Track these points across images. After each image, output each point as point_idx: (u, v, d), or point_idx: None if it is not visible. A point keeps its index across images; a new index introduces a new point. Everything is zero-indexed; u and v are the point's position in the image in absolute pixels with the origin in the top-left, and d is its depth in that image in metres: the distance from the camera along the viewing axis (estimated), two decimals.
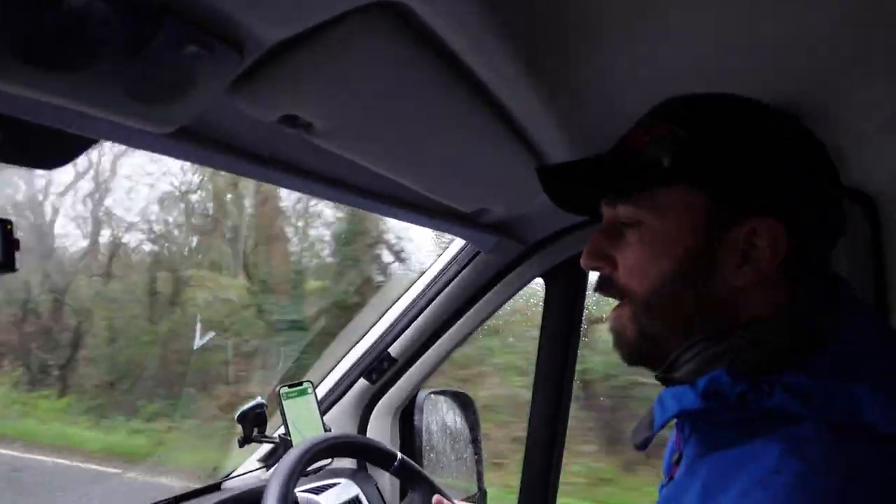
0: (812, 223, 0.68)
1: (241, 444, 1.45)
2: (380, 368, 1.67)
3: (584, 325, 1.72)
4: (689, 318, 0.69)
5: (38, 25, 0.44)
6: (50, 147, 0.67)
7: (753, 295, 0.67)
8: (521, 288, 1.63)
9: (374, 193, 1.11)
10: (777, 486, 0.55)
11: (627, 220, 0.71)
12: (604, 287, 0.74)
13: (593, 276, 0.80)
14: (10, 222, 0.67)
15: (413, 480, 1.25)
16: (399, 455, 1.24)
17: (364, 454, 1.26)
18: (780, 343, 0.65)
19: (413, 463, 1.26)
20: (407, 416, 1.77)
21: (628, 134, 0.73)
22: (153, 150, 0.73)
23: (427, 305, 1.62)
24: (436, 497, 1.20)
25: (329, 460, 1.42)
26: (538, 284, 1.68)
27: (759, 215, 0.65)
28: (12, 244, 0.68)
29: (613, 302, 0.76)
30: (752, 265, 0.66)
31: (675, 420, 0.73)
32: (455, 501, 1.20)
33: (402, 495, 1.73)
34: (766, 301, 0.67)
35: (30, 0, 0.43)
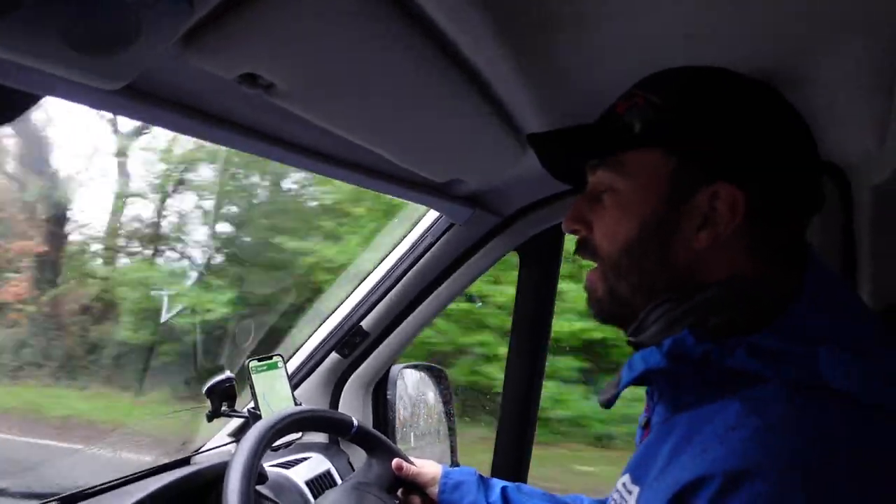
0: (777, 191, 0.69)
1: (210, 418, 1.42)
2: (352, 342, 1.65)
3: None
4: (652, 278, 0.72)
5: None
6: None
7: (714, 258, 0.70)
8: (496, 261, 1.61)
9: (342, 161, 1.08)
10: (734, 441, 0.57)
11: (603, 184, 0.75)
12: (581, 249, 0.78)
13: (568, 248, 0.82)
14: None
15: (372, 446, 1.23)
16: (355, 422, 1.22)
17: (322, 425, 1.24)
18: (741, 306, 0.67)
19: (371, 429, 1.24)
20: (380, 390, 1.76)
21: (615, 102, 0.76)
22: (102, 108, 0.69)
23: (400, 278, 1.60)
24: (395, 460, 1.19)
25: (299, 434, 1.40)
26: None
27: (721, 181, 0.68)
28: None
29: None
30: (710, 228, 0.69)
31: (645, 388, 0.77)
32: (415, 461, 1.19)
33: None
34: (726, 265, 0.70)
35: None
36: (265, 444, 1.02)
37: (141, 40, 0.56)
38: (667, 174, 0.70)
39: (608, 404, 0.74)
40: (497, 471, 1.72)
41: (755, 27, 0.87)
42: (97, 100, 0.67)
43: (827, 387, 0.59)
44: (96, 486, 1.29)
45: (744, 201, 0.67)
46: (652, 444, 0.69)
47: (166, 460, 1.48)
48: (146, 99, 0.70)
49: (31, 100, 0.66)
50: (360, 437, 1.22)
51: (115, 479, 1.33)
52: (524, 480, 1.72)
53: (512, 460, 1.71)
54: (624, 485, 0.69)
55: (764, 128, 0.70)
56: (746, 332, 0.64)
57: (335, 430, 1.23)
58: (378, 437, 1.23)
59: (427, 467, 1.17)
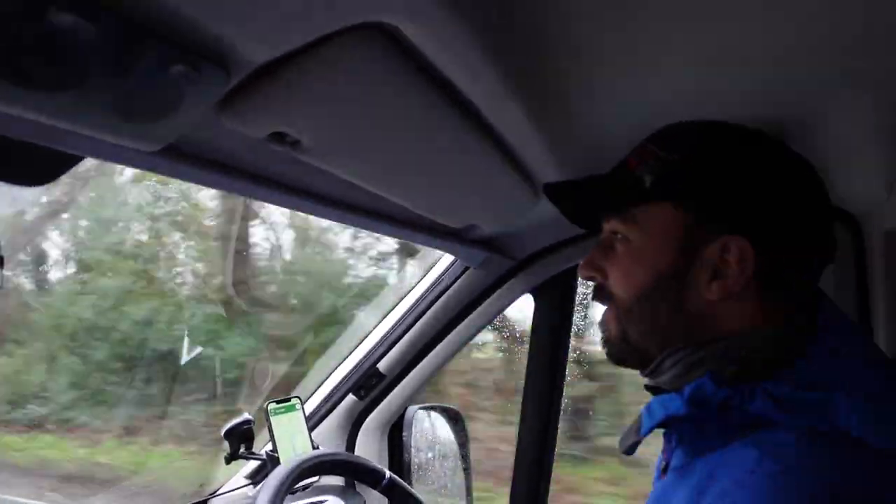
0: (787, 241, 0.71)
1: (228, 460, 1.44)
2: (368, 384, 1.67)
3: None
4: (665, 327, 0.73)
5: (23, 44, 0.45)
6: (35, 164, 0.67)
7: (727, 309, 0.71)
8: (509, 304, 1.63)
9: (362, 210, 1.11)
10: (753, 486, 0.58)
11: (616, 233, 0.77)
12: (597, 295, 0.81)
13: (581, 292, 0.85)
14: None
15: (402, 499, 1.24)
16: (388, 473, 1.23)
17: (352, 472, 1.26)
18: (758, 354, 0.68)
19: (402, 481, 1.25)
20: (396, 431, 1.77)
21: (627, 156, 0.79)
22: (140, 168, 0.73)
23: (416, 321, 1.62)
24: None
25: (316, 478, 1.41)
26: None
27: (730, 233, 0.69)
28: (0, 262, 0.68)
29: None
30: (721, 281, 0.70)
31: (662, 431, 0.77)
32: None
33: None
34: (739, 315, 0.71)
35: (11, 17, 0.43)
36: (288, 487, 1.04)
37: (181, 107, 0.59)
38: (677, 227, 0.72)
39: (630, 451, 0.76)
40: None
41: (763, 82, 0.90)
42: (136, 160, 0.70)
43: (841, 432, 0.60)
44: None
45: (753, 253, 0.69)
46: (671, 487, 0.70)
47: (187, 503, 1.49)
48: (182, 158, 0.74)
49: (73, 160, 0.70)
50: (391, 490, 1.24)
51: None
52: None
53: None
54: None
55: (771, 180, 0.72)
56: (763, 378, 0.65)
57: (366, 478, 1.25)
58: (408, 491, 1.24)
59: None
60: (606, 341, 0.80)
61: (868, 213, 1.29)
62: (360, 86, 0.71)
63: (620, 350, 0.78)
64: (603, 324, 0.80)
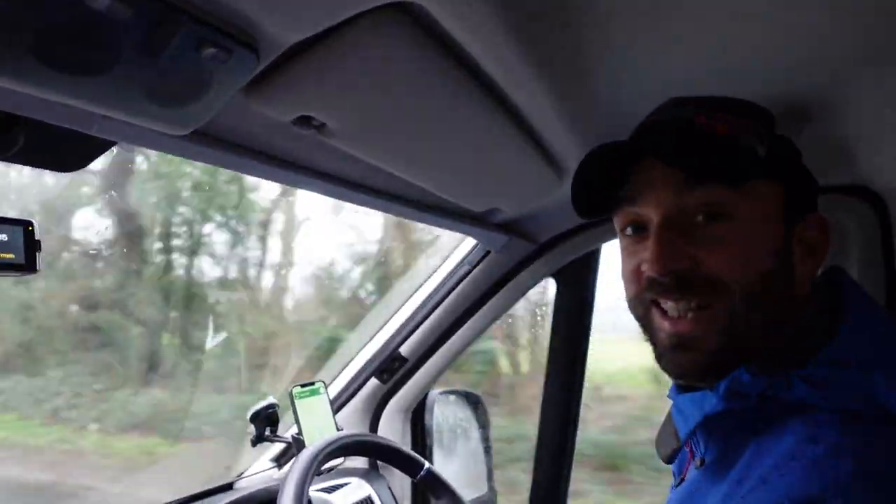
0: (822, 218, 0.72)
1: (254, 443, 1.46)
2: (391, 368, 1.68)
3: None
4: (782, 311, 0.67)
5: (59, 28, 0.45)
6: (69, 149, 0.68)
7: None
8: (531, 287, 1.63)
9: (386, 193, 1.12)
10: (796, 471, 0.57)
11: (711, 210, 0.66)
12: (678, 287, 0.67)
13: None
14: (31, 223, 0.69)
15: (439, 491, 1.26)
16: (426, 464, 1.25)
17: (391, 458, 1.27)
18: (792, 338, 0.67)
19: (439, 473, 1.27)
20: (418, 415, 1.78)
21: (693, 117, 0.68)
22: (170, 152, 0.74)
23: (437, 305, 1.62)
24: None
25: (341, 460, 1.43)
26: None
27: (812, 210, 0.70)
28: (34, 245, 0.69)
29: None
30: (816, 258, 0.69)
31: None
32: None
33: (414, 496, 1.74)
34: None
35: (50, 2, 0.44)
36: (318, 466, 1.06)
37: (210, 90, 0.60)
38: (779, 204, 0.69)
39: (670, 459, 0.73)
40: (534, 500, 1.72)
41: (788, 57, 0.89)
42: (165, 144, 0.71)
43: (883, 411, 0.59)
44: None
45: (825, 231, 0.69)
46: (707, 478, 0.68)
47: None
48: (210, 142, 0.75)
49: (105, 145, 0.71)
50: (428, 481, 1.25)
51: None
52: None
53: (549, 493, 1.71)
54: None
55: (800, 157, 0.73)
56: (798, 365, 0.63)
57: (404, 466, 1.26)
58: (445, 483, 1.26)
59: None
60: (696, 350, 0.67)
61: (893, 191, 1.27)
62: (386, 68, 0.71)
63: (716, 357, 0.66)
64: (696, 330, 0.67)
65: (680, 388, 0.72)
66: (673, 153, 0.66)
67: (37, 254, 0.69)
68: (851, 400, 0.60)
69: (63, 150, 0.68)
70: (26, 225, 0.68)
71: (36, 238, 0.69)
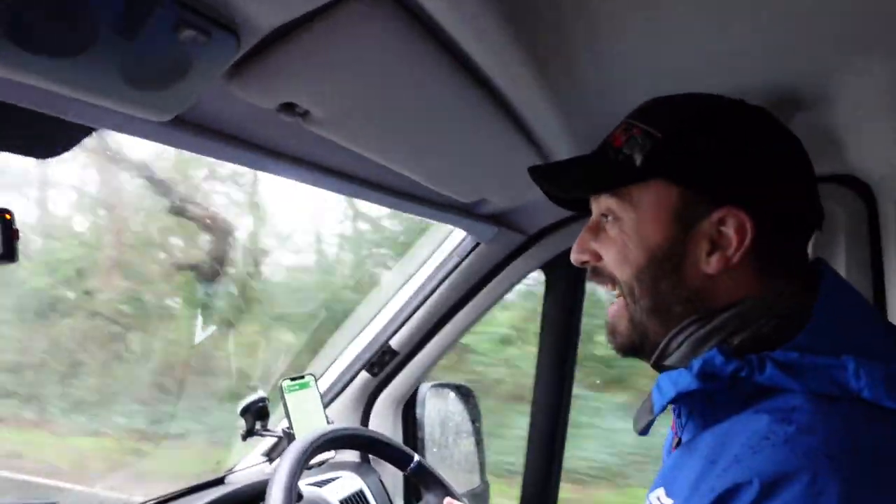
0: (781, 213, 0.71)
1: (245, 437, 1.45)
2: (381, 361, 1.68)
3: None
4: (667, 303, 0.73)
5: (32, 6, 0.44)
6: (47, 135, 0.67)
7: (728, 281, 0.71)
8: (521, 279, 1.63)
9: (372, 183, 1.11)
10: (767, 450, 0.58)
11: (607, 214, 0.76)
12: (594, 275, 0.80)
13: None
14: (9, 212, 0.68)
15: (430, 483, 1.25)
16: (416, 457, 1.25)
17: (381, 451, 1.27)
18: (762, 323, 0.68)
19: (429, 465, 1.27)
20: (409, 408, 1.78)
21: (612, 134, 0.77)
22: (151, 139, 0.73)
23: (427, 297, 1.62)
24: (447, 500, 1.22)
25: (333, 453, 1.42)
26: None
27: (726, 205, 0.69)
28: (13, 234, 0.68)
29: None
30: (720, 253, 0.70)
31: (671, 407, 0.77)
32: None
33: (406, 489, 1.74)
34: (741, 286, 0.71)
35: None
36: (307, 459, 1.05)
37: (191, 75, 0.59)
38: (671, 203, 0.72)
39: (644, 431, 0.75)
40: (525, 493, 1.73)
41: (775, 50, 0.89)
42: (146, 131, 0.70)
43: (853, 395, 0.60)
44: None
45: (751, 224, 0.68)
46: (683, 457, 0.70)
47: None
48: (192, 129, 0.74)
49: (84, 131, 0.70)
50: (418, 473, 1.25)
51: (151, 499, 1.36)
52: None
53: (540, 485, 1.71)
54: (658, 498, 0.70)
55: (760, 148, 0.72)
56: (771, 348, 0.65)
57: (394, 460, 1.26)
58: (435, 475, 1.26)
59: None
60: (616, 335, 0.78)
61: (881, 181, 1.27)
62: (372, 55, 0.70)
63: (629, 340, 0.77)
64: (612, 316, 0.78)
65: (662, 368, 0.75)
66: (541, 179, 0.82)
67: (15, 243, 0.68)
68: (822, 384, 0.61)
69: (39, 135, 0.67)
70: (4, 214, 0.67)
71: (14, 227, 0.68)
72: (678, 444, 0.76)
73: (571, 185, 0.81)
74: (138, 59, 0.53)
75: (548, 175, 0.83)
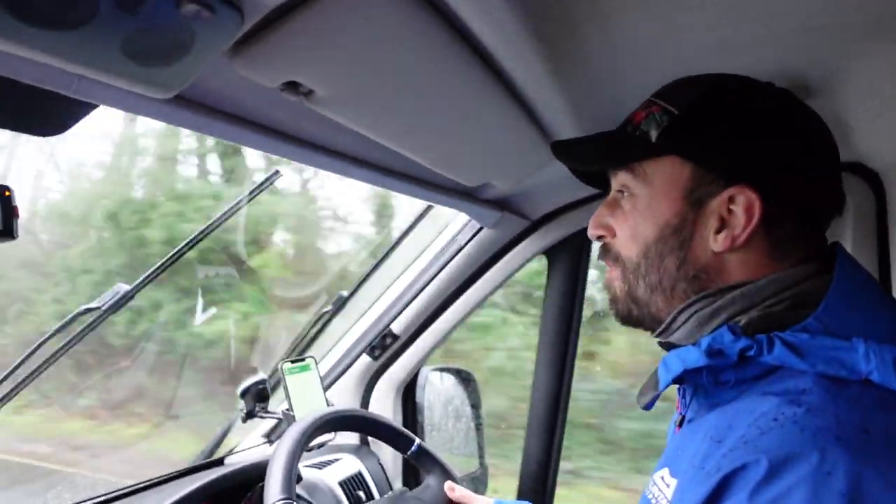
0: (795, 193, 0.70)
1: (245, 419, 1.46)
2: (382, 345, 1.68)
3: None
4: (672, 280, 0.74)
5: None
6: (48, 112, 0.66)
7: (736, 261, 0.71)
8: (523, 264, 1.63)
9: (375, 165, 1.10)
10: (775, 430, 0.58)
11: (622, 190, 0.77)
12: (604, 254, 0.81)
13: (595, 252, 0.83)
14: (8, 188, 0.67)
15: (430, 466, 1.26)
16: (417, 440, 1.25)
17: (381, 434, 1.27)
18: (772, 304, 0.68)
19: (430, 449, 1.27)
20: (409, 392, 1.78)
21: (634, 111, 0.78)
22: (154, 117, 0.72)
23: (429, 282, 1.61)
24: (448, 483, 1.23)
25: (332, 436, 1.42)
26: None
27: (736, 184, 0.69)
28: (12, 212, 0.68)
29: None
30: (728, 231, 0.70)
31: (676, 387, 0.78)
32: (466, 490, 1.22)
33: (405, 472, 1.74)
34: (748, 266, 0.71)
35: None
36: (308, 440, 1.05)
37: (193, 51, 0.58)
38: (683, 180, 0.72)
39: (648, 406, 0.77)
40: (524, 478, 1.73)
41: (785, 35, 0.88)
42: (148, 108, 0.69)
43: (861, 377, 0.61)
44: (131, 487, 1.33)
45: (760, 204, 0.68)
46: (688, 437, 0.70)
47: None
48: (194, 108, 0.73)
49: (85, 109, 0.69)
50: (419, 457, 1.25)
51: (150, 480, 1.37)
52: (553, 490, 1.73)
53: (538, 473, 1.71)
54: (662, 478, 0.70)
55: (778, 131, 0.71)
56: (781, 329, 0.65)
57: (395, 443, 1.26)
58: (436, 459, 1.26)
59: (481, 500, 1.21)
60: (613, 301, 0.80)
61: (890, 170, 1.26)
62: (378, 34, 0.69)
63: (627, 310, 0.78)
64: (608, 283, 0.80)
65: (666, 346, 0.76)
66: (561, 153, 0.83)
67: (14, 220, 0.67)
68: (831, 365, 0.62)
69: (42, 112, 0.66)
70: (3, 191, 0.66)
71: (13, 204, 0.67)
72: (681, 422, 0.76)
73: (588, 158, 0.83)
74: (139, 33, 0.52)
75: (568, 149, 0.84)
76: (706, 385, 0.71)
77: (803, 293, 0.68)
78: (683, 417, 0.76)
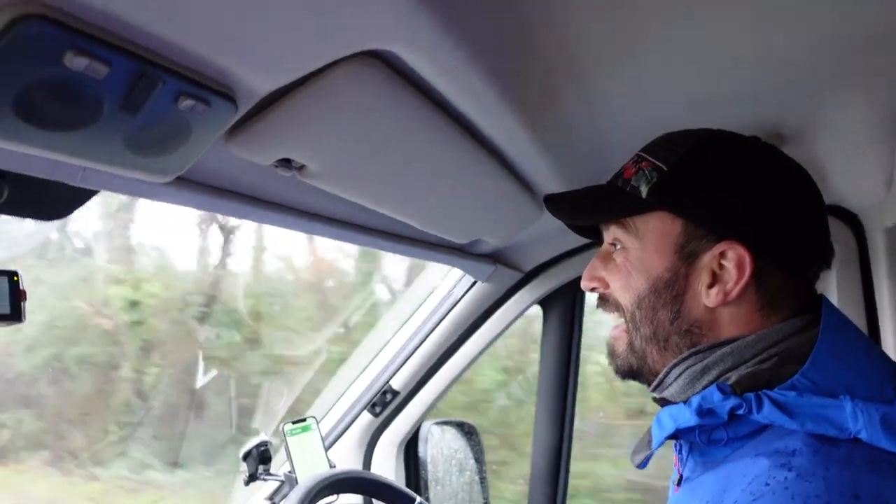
0: (785, 246, 0.71)
1: (247, 482, 1.45)
2: (382, 401, 1.68)
3: None
4: (666, 332, 0.74)
5: (39, 87, 0.47)
6: (53, 199, 0.69)
7: (728, 316, 0.72)
8: (519, 315, 1.64)
9: (369, 230, 1.13)
10: (767, 496, 0.58)
11: (616, 243, 0.78)
12: (602, 303, 0.82)
13: (590, 300, 0.85)
14: (16, 273, 0.70)
15: None
16: (418, 498, 1.25)
17: (381, 494, 1.27)
18: (761, 361, 0.68)
19: None
20: (411, 447, 1.77)
21: (624, 166, 0.80)
22: (154, 199, 0.75)
23: (427, 336, 1.63)
24: None
25: (335, 497, 1.42)
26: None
27: (727, 239, 0.70)
28: (20, 295, 0.70)
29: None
30: (720, 286, 0.71)
31: (673, 443, 0.78)
32: None
33: None
34: (740, 322, 0.72)
35: (31, 62, 0.46)
36: (311, 501, 1.05)
37: (191, 140, 0.62)
38: (675, 235, 0.73)
39: (642, 465, 0.76)
40: None
41: (757, 88, 0.91)
42: (148, 191, 0.73)
43: (850, 436, 0.60)
44: None
45: (751, 259, 0.69)
46: (685, 499, 0.70)
47: None
48: (192, 188, 0.76)
49: (89, 194, 0.72)
50: None
51: None
52: None
53: None
54: None
55: (766, 185, 0.72)
56: (769, 386, 0.66)
57: (395, 502, 1.26)
58: None
59: None
60: (614, 356, 0.80)
61: (868, 211, 1.29)
62: (363, 111, 0.73)
63: (627, 363, 0.79)
64: (613, 340, 0.80)
65: (664, 402, 0.76)
66: (553, 207, 0.84)
67: (22, 303, 0.70)
68: (819, 424, 0.62)
69: (47, 199, 0.70)
70: (11, 275, 0.69)
71: (21, 288, 0.70)
72: (679, 480, 0.76)
73: (580, 213, 0.84)
74: (140, 129, 0.55)
75: (561, 203, 0.85)
76: (700, 444, 0.71)
77: (790, 349, 0.68)
78: (681, 477, 0.76)
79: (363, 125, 0.76)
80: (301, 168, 0.79)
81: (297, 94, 0.66)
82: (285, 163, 0.77)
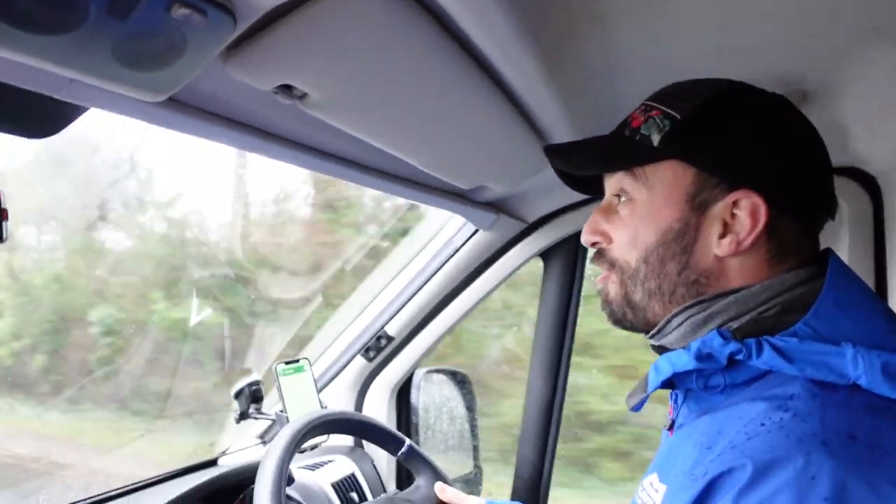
0: (795, 199, 0.71)
1: (238, 420, 1.45)
2: (377, 346, 1.67)
3: None
4: (673, 285, 0.73)
5: None
6: (39, 114, 0.66)
7: (736, 265, 0.71)
8: (519, 267, 1.62)
9: (370, 168, 1.10)
10: (762, 435, 0.58)
11: (620, 195, 0.76)
12: (599, 259, 0.80)
13: (591, 254, 0.83)
14: None
15: (419, 467, 1.26)
16: (407, 441, 1.25)
17: (371, 436, 1.27)
18: (765, 309, 0.68)
19: (420, 450, 1.27)
20: (404, 393, 1.78)
21: (629, 115, 0.77)
22: (145, 120, 0.71)
23: (425, 283, 1.61)
24: (438, 484, 1.23)
25: (325, 437, 1.42)
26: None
27: (741, 189, 0.69)
28: (2, 214, 0.67)
29: None
30: (732, 236, 0.70)
31: (669, 392, 0.78)
32: (457, 490, 1.22)
33: (399, 474, 1.74)
34: (748, 271, 0.71)
35: None
36: (298, 443, 1.05)
37: (185, 55, 0.58)
38: (686, 185, 0.72)
39: (636, 408, 0.77)
40: (518, 481, 1.73)
41: (782, 41, 0.88)
42: (140, 111, 0.69)
43: (849, 382, 0.61)
44: (125, 488, 1.32)
45: (766, 208, 0.68)
46: (678, 444, 0.70)
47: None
48: (187, 110, 0.72)
49: (77, 111, 0.68)
50: (409, 458, 1.25)
51: (144, 481, 1.36)
52: (546, 492, 1.73)
53: (533, 472, 1.71)
54: (651, 483, 0.70)
55: (780, 137, 0.72)
56: (771, 333, 0.66)
57: (385, 444, 1.26)
58: (427, 460, 1.26)
59: (471, 500, 1.20)
60: (606, 303, 0.79)
61: (887, 174, 1.27)
62: (371, 37, 0.69)
63: (623, 311, 0.78)
64: (603, 285, 0.79)
65: (659, 350, 0.76)
66: (556, 157, 0.81)
67: (3, 223, 0.67)
68: (819, 370, 0.62)
69: (33, 115, 0.66)
70: None
71: (3, 207, 0.67)
72: (672, 427, 0.77)
73: (586, 162, 0.81)
74: (130, 38, 0.51)
75: (562, 153, 0.82)
76: (696, 390, 0.71)
77: (794, 298, 0.68)
78: (674, 422, 0.76)
79: (372, 53, 0.72)
80: (303, 97, 0.75)
81: (301, 13, 0.62)
82: (286, 89, 0.73)
